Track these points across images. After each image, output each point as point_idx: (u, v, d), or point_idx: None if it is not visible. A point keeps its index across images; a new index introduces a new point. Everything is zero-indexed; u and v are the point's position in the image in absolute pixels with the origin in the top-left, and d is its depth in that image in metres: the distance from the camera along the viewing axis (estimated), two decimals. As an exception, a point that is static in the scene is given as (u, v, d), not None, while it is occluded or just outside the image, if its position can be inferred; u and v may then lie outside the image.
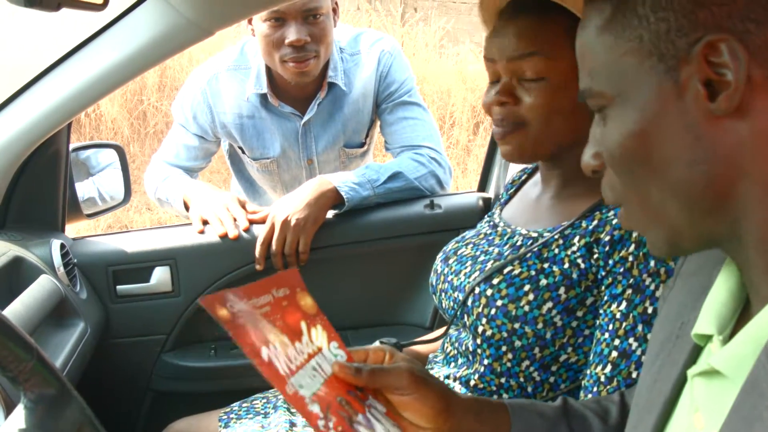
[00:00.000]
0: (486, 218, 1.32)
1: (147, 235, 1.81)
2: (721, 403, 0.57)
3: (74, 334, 1.47)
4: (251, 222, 1.75)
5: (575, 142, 1.06)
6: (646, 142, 0.61)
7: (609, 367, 1.00)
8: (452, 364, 1.18)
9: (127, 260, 1.73)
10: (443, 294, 1.21)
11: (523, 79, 1.07)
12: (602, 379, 1.00)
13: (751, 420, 0.52)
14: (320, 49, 1.87)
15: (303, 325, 0.79)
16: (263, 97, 1.99)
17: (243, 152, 2.10)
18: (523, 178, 1.33)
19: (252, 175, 2.23)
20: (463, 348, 1.16)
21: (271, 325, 0.75)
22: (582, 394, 1.03)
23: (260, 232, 1.71)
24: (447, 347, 1.22)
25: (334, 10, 1.92)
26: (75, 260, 1.64)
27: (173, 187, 1.94)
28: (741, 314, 0.64)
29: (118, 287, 1.72)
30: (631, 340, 0.99)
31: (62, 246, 1.57)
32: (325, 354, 0.80)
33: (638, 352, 0.98)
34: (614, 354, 1.00)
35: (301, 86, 1.96)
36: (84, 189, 1.91)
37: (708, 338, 0.65)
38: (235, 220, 1.75)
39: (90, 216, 1.82)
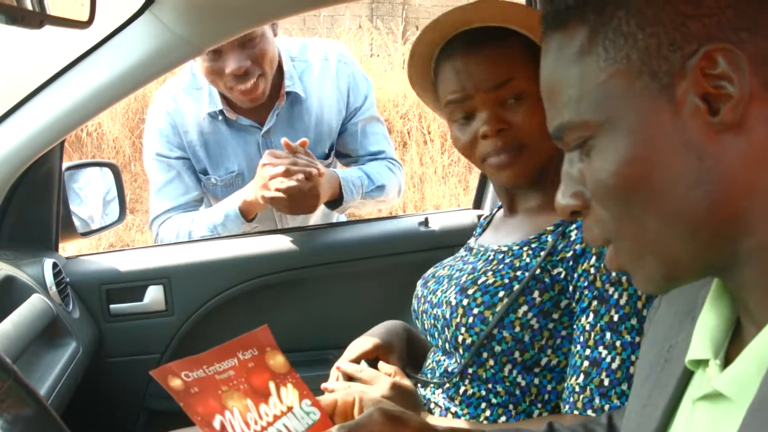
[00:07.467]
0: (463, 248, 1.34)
1: (140, 253, 1.81)
2: (725, 427, 0.55)
3: (66, 354, 1.46)
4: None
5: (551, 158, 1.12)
6: (645, 166, 0.57)
7: (582, 377, 1.02)
8: (438, 392, 1.17)
9: (120, 279, 1.72)
10: (424, 315, 1.22)
11: (506, 104, 1.11)
12: (576, 389, 1.02)
13: None
14: (264, 68, 1.85)
15: (272, 385, 0.79)
16: (220, 113, 1.97)
17: (206, 175, 2.04)
18: (495, 211, 1.36)
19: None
20: (443, 369, 1.16)
21: (233, 390, 0.76)
22: (562, 406, 1.05)
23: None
24: (431, 375, 1.20)
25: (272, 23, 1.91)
26: (68, 279, 1.63)
27: (215, 212, 1.89)
28: (733, 337, 0.62)
29: (112, 306, 1.71)
30: (600, 348, 1.01)
31: (54, 265, 1.57)
32: (296, 413, 0.80)
33: (608, 360, 1.00)
34: (586, 363, 1.02)
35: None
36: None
37: (701, 363, 0.63)
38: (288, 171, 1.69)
39: (84, 235, 1.81)
